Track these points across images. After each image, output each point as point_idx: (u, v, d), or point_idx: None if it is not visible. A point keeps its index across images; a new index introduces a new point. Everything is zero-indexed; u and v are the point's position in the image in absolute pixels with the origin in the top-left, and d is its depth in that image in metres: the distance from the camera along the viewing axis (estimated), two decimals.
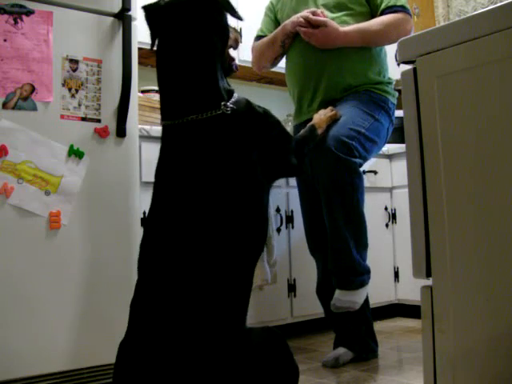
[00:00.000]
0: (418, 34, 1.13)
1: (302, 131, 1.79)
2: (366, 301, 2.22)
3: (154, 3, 1.48)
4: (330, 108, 1.98)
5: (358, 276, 1.98)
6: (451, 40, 1.04)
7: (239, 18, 1.52)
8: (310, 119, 2.19)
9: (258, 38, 2.39)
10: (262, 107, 1.55)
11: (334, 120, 1.95)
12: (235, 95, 1.47)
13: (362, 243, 2.00)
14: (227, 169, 1.35)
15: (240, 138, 1.40)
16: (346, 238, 1.95)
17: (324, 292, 2.24)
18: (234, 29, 1.65)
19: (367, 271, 2.01)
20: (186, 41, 1.41)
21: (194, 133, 1.38)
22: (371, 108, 2.10)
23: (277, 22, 2.35)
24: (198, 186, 1.33)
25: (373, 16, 2.19)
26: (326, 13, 2.16)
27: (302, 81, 2.22)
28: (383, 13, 2.14)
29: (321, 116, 1.90)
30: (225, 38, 1.50)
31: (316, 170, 1.98)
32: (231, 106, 1.41)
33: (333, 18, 2.13)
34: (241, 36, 1.61)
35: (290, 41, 2.23)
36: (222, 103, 1.41)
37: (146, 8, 1.48)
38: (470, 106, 1.03)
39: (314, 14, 2.09)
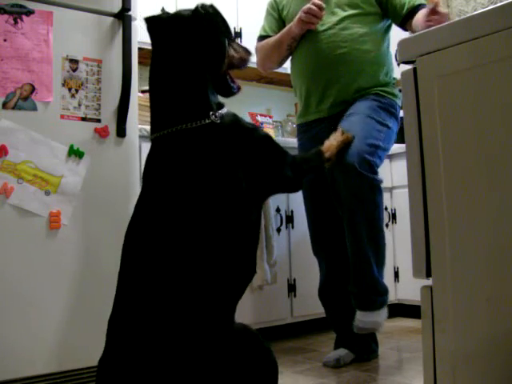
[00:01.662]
0: (418, 33, 1.13)
1: (308, 153, 1.76)
2: None
3: (156, 15, 1.49)
4: (340, 131, 1.88)
5: (380, 296, 1.98)
6: (451, 40, 1.04)
7: (230, 39, 1.54)
8: (318, 119, 2.18)
9: (261, 37, 2.36)
10: (252, 123, 1.56)
11: (346, 143, 1.87)
12: (224, 109, 1.46)
13: (381, 262, 2.01)
14: (212, 181, 1.33)
15: (228, 148, 1.38)
16: (368, 258, 1.95)
17: (327, 294, 2.24)
18: (244, 48, 1.63)
19: (387, 291, 2.01)
20: (178, 55, 1.41)
21: (181, 142, 1.36)
22: (384, 116, 2.08)
23: (281, 21, 2.32)
24: (179, 198, 1.31)
25: (384, 16, 2.15)
26: (337, 10, 2.12)
27: (310, 80, 2.19)
28: (414, 10, 2.07)
29: (332, 142, 1.82)
30: (219, 55, 1.49)
31: (338, 187, 1.97)
32: (220, 116, 1.41)
33: (345, 16, 2.11)
34: (249, 55, 1.63)
35: (297, 43, 2.21)
36: (211, 113, 1.40)
37: (147, 19, 1.49)
38: (470, 106, 1.03)
39: (315, 4, 2.02)
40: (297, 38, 2.18)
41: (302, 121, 2.29)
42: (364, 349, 2.20)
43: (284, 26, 2.27)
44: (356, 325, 1.95)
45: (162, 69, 1.43)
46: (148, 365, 1.17)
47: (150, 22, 1.48)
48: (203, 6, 1.46)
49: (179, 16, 1.44)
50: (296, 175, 1.58)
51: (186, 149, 1.35)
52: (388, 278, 3.09)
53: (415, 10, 2.07)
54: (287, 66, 3.21)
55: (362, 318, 1.95)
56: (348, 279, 2.15)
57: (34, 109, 1.77)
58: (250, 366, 1.22)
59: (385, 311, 1.99)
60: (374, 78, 2.14)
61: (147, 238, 1.30)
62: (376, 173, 1.95)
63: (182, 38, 1.42)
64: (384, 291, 1.99)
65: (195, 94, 1.41)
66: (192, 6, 3.28)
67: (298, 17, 2.09)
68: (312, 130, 2.22)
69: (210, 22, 1.45)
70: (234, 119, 1.46)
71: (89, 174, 1.85)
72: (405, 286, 3.03)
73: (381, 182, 1.97)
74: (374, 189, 1.93)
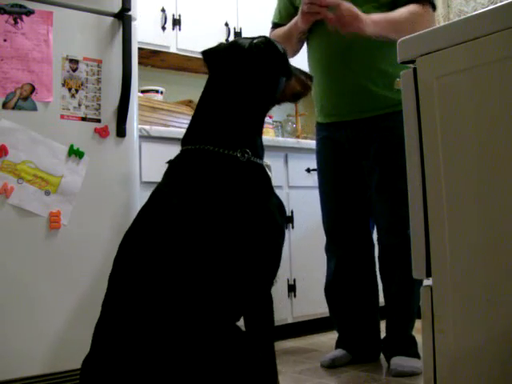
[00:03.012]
0: (418, 33, 1.13)
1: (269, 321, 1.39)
2: (376, 303, 2.22)
3: (214, 47, 1.49)
4: None
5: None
6: (451, 40, 1.04)
7: (288, 75, 1.52)
8: (336, 123, 2.12)
9: (274, 25, 2.27)
10: (276, 196, 1.41)
11: None
12: (260, 160, 1.40)
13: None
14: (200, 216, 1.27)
15: (231, 188, 1.31)
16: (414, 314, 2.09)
17: (334, 291, 2.22)
18: (305, 73, 1.60)
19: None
20: (230, 87, 1.40)
21: (200, 161, 1.33)
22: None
23: (292, 7, 2.20)
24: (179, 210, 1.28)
25: (394, 5, 2.04)
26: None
27: (323, 78, 2.12)
28: (408, 2, 1.98)
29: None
30: (269, 93, 1.47)
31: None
32: (247, 158, 1.34)
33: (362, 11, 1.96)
34: (310, 80, 1.62)
35: (307, 34, 2.13)
36: (239, 150, 1.34)
37: (204, 54, 1.50)
38: (470, 106, 1.03)
39: None
40: (305, 31, 2.11)
41: (320, 120, 2.23)
42: (364, 350, 2.19)
43: (295, 12, 2.14)
44: (394, 369, 1.96)
45: (213, 95, 1.42)
46: (132, 365, 1.15)
47: (208, 55, 1.47)
48: (257, 45, 1.41)
49: (237, 48, 1.43)
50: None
51: (199, 170, 1.33)
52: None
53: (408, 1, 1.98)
54: None
55: (401, 362, 1.98)
56: (357, 278, 2.16)
57: (34, 109, 1.77)
58: (235, 370, 1.19)
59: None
60: (387, 74, 2.02)
61: (145, 245, 1.28)
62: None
63: (235, 71, 1.41)
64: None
65: (237, 124, 1.38)
66: (192, 7, 3.26)
67: (300, 9, 1.99)
68: (331, 133, 2.17)
69: (261, 61, 1.41)
70: (259, 170, 1.39)
71: (89, 174, 1.85)
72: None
73: None
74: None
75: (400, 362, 1.98)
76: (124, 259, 1.31)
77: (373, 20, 1.92)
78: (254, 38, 1.44)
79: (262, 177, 1.39)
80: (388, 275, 2.10)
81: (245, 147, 1.35)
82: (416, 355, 2.02)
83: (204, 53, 1.49)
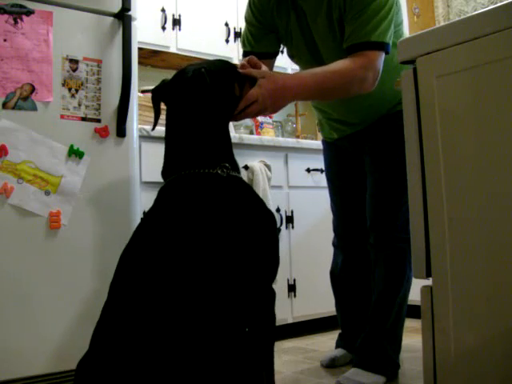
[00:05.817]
0: (418, 33, 1.13)
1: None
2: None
3: (160, 84, 1.46)
4: None
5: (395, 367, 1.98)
6: (451, 40, 1.04)
7: (237, 80, 1.44)
8: (339, 138, 2.10)
9: (246, 54, 2.04)
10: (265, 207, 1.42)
11: None
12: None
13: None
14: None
15: (222, 206, 1.32)
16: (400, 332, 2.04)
17: (340, 286, 2.20)
18: (248, 79, 1.46)
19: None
20: (190, 114, 1.38)
21: (185, 183, 1.35)
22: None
23: (265, 29, 1.92)
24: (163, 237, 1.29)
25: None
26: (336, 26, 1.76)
27: (316, 108, 2.11)
28: (355, 49, 1.65)
29: None
30: (227, 107, 1.44)
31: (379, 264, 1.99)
32: (229, 171, 1.35)
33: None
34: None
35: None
36: (218, 167, 1.35)
37: (153, 90, 1.48)
38: (469, 106, 1.03)
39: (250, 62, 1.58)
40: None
41: (323, 136, 2.22)
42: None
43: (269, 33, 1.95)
44: (337, 381, 1.87)
45: (177, 127, 1.41)
46: (127, 370, 1.15)
47: (157, 92, 1.46)
48: (193, 77, 1.36)
49: (180, 81, 1.39)
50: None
51: (186, 189, 1.35)
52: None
53: (356, 48, 1.63)
54: (287, 66, 3.22)
55: (349, 375, 1.88)
56: (362, 277, 2.14)
57: (34, 109, 1.77)
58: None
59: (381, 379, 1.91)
60: (390, 93, 1.86)
61: (148, 252, 1.28)
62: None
63: (188, 100, 1.37)
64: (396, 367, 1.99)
65: (209, 148, 1.38)
66: (192, 7, 3.26)
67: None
68: (335, 146, 2.16)
69: (207, 87, 1.36)
70: (240, 182, 1.40)
71: (89, 173, 1.85)
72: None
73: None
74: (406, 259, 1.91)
75: (349, 375, 1.90)
76: (126, 267, 1.31)
77: (301, 86, 1.55)
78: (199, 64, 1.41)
79: (245, 187, 1.41)
80: (373, 283, 2.05)
81: (223, 163, 1.36)
82: (379, 371, 1.91)
83: (154, 91, 1.47)
